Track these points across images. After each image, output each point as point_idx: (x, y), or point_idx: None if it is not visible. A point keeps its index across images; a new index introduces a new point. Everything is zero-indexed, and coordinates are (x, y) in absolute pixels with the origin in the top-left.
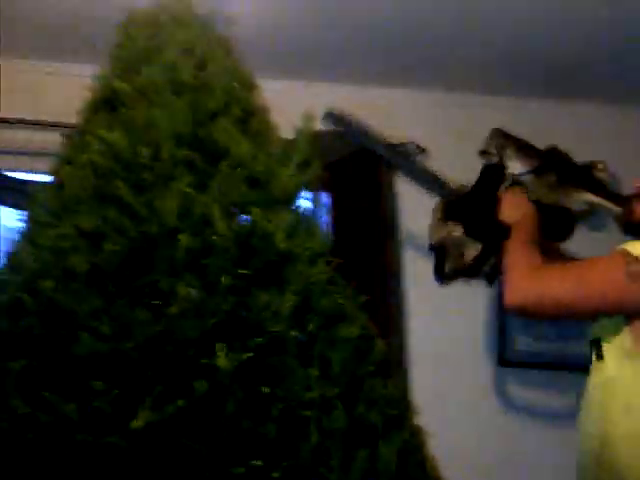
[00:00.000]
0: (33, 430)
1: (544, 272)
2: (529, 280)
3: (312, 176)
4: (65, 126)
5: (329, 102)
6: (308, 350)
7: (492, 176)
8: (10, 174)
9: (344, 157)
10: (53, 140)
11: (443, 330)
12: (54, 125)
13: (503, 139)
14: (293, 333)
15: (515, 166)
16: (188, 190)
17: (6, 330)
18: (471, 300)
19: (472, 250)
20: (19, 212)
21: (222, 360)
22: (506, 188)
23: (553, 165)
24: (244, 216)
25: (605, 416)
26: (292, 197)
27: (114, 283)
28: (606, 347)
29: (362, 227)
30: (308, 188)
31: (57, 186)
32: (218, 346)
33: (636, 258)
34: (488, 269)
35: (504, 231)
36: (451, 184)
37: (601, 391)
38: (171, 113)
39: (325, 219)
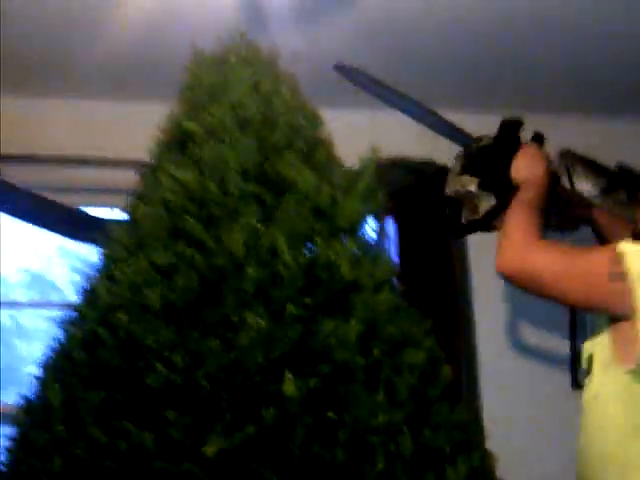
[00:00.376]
0: (112, 459)
1: (535, 245)
2: (519, 250)
3: (376, 205)
4: (134, 163)
5: (393, 130)
6: (374, 376)
7: (512, 130)
8: (84, 209)
9: (408, 185)
10: (123, 177)
11: (515, 353)
12: (123, 162)
13: (571, 159)
14: (359, 360)
15: (585, 186)
16: (255, 223)
17: (84, 362)
18: (545, 325)
19: (485, 204)
20: (95, 247)
21: (290, 388)
22: (524, 144)
23: (623, 182)
24: (310, 246)
25: (584, 436)
26: (356, 226)
27: (186, 315)
28: (595, 361)
29: (429, 252)
30: (372, 217)
31: (132, 223)
32: (286, 374)
33: (621, 259)
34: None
35: (513, 188)
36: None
37: (587, 409)
38: (238, 149)
39: (390, 246)
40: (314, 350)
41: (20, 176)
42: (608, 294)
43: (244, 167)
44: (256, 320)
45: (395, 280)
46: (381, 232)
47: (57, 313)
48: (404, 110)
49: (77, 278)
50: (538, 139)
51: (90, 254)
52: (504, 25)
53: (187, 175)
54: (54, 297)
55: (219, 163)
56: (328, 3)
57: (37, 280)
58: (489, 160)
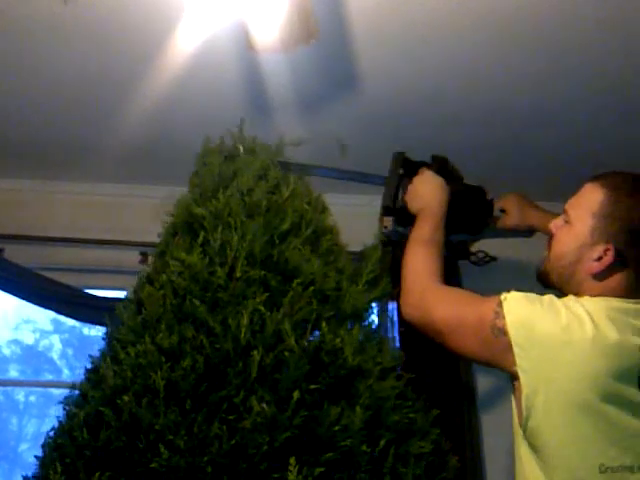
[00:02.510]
0: None
1: (431, 293)
2: (417, 298)
3: (381, 292)
4: (139, 245)
5: None
6: (379, 465)
7: (410, 164)
8: (89, 291)
9: None
10: (126, 258)
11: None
12: (129, 244)
13: None
14: (364, 448)
15: None
16: (261, 308)
17: (87, 443)
18: None
19: None
20: (100, 328)
21: (293, 475)
22: (420, 171)
23: None
24: (315, 332)
25: None
26: (362, 312)
27: (190, 398)
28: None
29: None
30: (377, 302)
31: (138, 304)
32: (290, 461)
33: (501, 312)
34: None
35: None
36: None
37: None
38: (245, 234)
39: (394, 331)
40: (319, 437)
41: (25, 257)
42: (493, 349)
43: (251, 252)
44: (261, 405)
45: (400, 367)
46: (385, 318)
47: (52, 390)
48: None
49: (71, 352)
50: (438, 162)
51: (84, 328)
52: (505, 119)
53: (194, 258)
54: (47, 369)
55: (226, 248)
56: (332, 93)
57: (30, 353)
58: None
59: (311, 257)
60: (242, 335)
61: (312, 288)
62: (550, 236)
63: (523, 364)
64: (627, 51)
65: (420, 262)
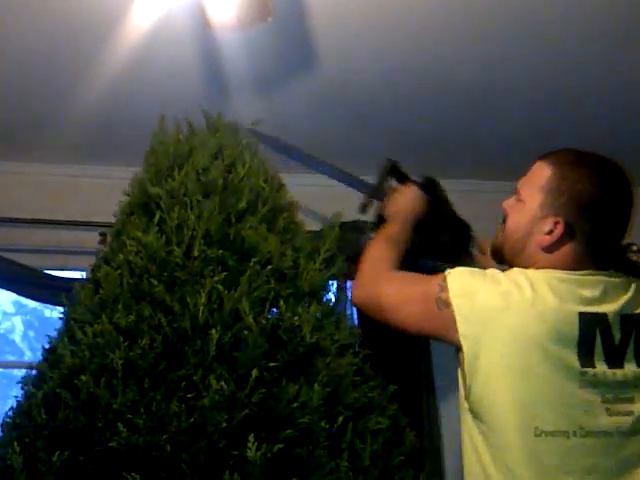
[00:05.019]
0: None
1: (381, 276)
2: (367, 280)
3: (338, 270)
4: (97, 225)
5: (353, 193)
6: (337, 442)
7: (400, 176)
8: (48, 272)
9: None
10: (87, 238)
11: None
12: (88, 224)
13: None
14: (322, 425)
15: None
16: (219, 286)
17: (45, 423)
18: None
19: None
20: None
21: (252, 452)
22: (406, 184)
23: None
24: (273, 310)
25: None
26: (319, 291)
27: (149, 377)
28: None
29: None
30: (335, 281)
31: (95, 284)
32: (249, 438)
33: (446, 286)
34: None
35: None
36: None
37: None
38: (201, 214)
39: (351, 310)
40: (277, 414)
41: None
42: (438, 322)
43: (207, 231)
44: (219, 383)
45: (358, 344)
46: (342, 295)
47: (14, 371)
48: (312, 168)
49: (32, 334)
50: (427, 182)
51: (46, 310)
52: (459, 98)
53: (150, 238)
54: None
55: (183, 227)
56: (288, 72)
57: None
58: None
59: (268, 235)
60: (200, 314)
61: (269, 267)
62: (504, 216)
63: (465, 332)
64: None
65: (378, 253)
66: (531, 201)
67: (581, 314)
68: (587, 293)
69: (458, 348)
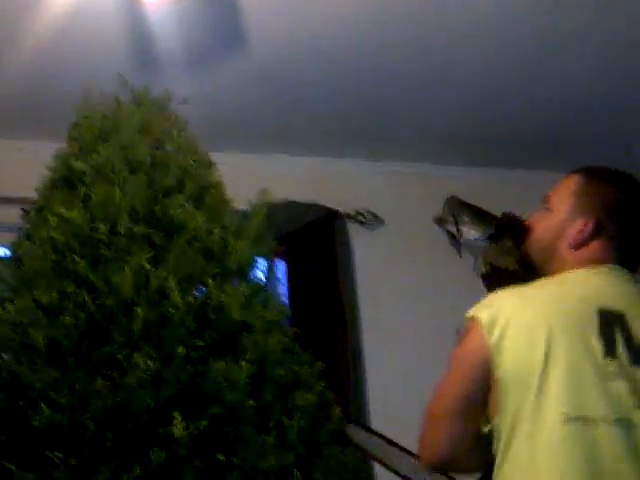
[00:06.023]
0: None
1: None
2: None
3: (267, 248)
4: (22, 201)
5: (285, 174)
6: (265, 418)
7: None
8: None
9: (301, 227)
10: (9, 214)
11: (403, 394)
12: (10, 200)
13: (458, 207)
14: (249, 402)
15: (471, 232)
16: (144, 264)
17: None
18: (435, 363)
19: None
20: None
21: (178, 429)
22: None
23: (508, 230)
24: (201, 288)
25: None
26: (247, 268)
27: (72, 355)
28: None
29: (320, 295)
30: (263, 259)
31: (16, 261)
32: (174, 415)
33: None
34: None
35: None
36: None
37: None
38: (127, 190)
39: (281, 289)
40: (204, 392)
41: None
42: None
43: (134, 208)
44: (144, 361)
45: (286, 322)
46: (271, 274)
47: None
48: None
49: None
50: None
51: None
52: (392, 79)
53: (74, 214)
54: None
55: (108, 203)
56: (219, 47)
57: None
58: None
59: (196, 213)
60: (125, 291)
61: (197, 244)
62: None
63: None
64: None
65: None
66: (560, 207)
67: (600, 309)
68: (608, 290)
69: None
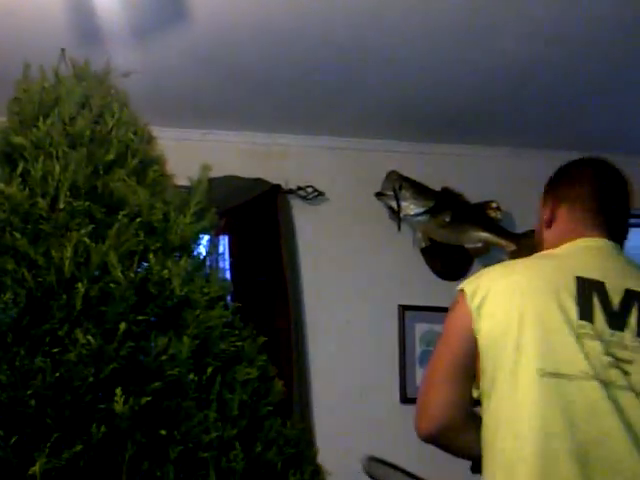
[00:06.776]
0: None
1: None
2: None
3: (209, 223)
4: None
5: (226, 149)
6: (206, 393)
7: None
8: None
9: (243, 202)
10: None
11: (346, 369)
12: None
13: (399, 181)
14: (191, 376)
15: (411, 207)
16: (85, 239)
17: None
18: (375, 337)
19: None
20: None
21: (119, 405)
22: None
23: (448, 205)
24: (143, 263)
25: None
26: (189, 244)
27: (12, 332)
28: None
29: (262, 270)
30: (205, 234)
31: None
32: (116, 391)
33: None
34: None
35: None
36: None
37: None
38: (68, 165)
39: (224, 264)
40: (146, 367)
41: None
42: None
43: (74, 183)
44: (86, 337)
45: (229, 297)
46: (214, 249)
47: None
48: None
49: None
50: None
51: None
52: (332, 53)
53: (13, 189)
54: None
55: (48, 178)
56: (161, 22)
57: None
58: None
59: (137, 188)
60: (66, 267)
61: (139, 220)
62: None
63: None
64: None
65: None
66: (540, 212)
67: (578, 277)
68: (588, 260)
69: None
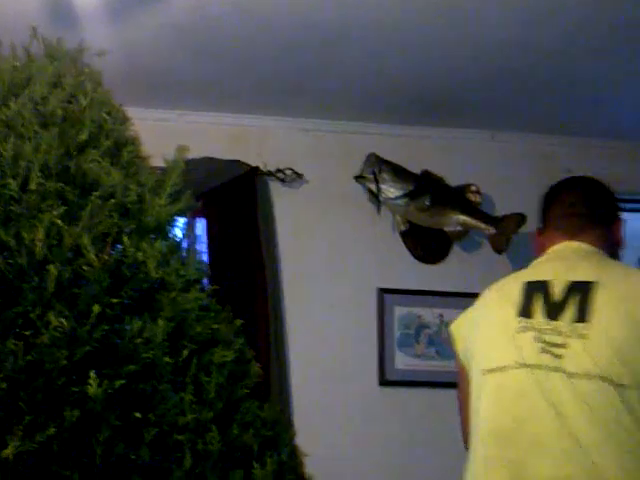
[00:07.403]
0: None
1: None
2: None
3: (184, 205)
4: None
5: (203, 131)
6: (182, 375)
7: None
8: None
9: (221, 184)
10: None
11: (325, 351)
12: None
13: (378, 164)
14: (166, 359)
15: (390, 190)
16: (58, 221)
17: None
18: (354, 320)
19: None
20: None
21: (93, 388)
22: None
23: (427, 188)
24: (117, 245)
25: None
26: (165, 226)
27: None
28: None
29: (240, 253)
30: (181, 217)
31: None
32: (90, 374)
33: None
34: None
35: None
36: None
37: None
38: (39, 145)
39: (201, 246)
40: (121, 350)
41: None
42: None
43: (46, 163)
44: (58, 319)
45: (206, 280)
46: (190, 232)
47: None
48: None
49: None
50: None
51: None
52: (312, 33)
53: None
54: None
55: (19, 159)
56: (136, 1)
57: None
58: None
59: (111, 169)
60: (37, 249)
61: (112, 201)
62: None
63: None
64: None
65: None
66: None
67: (527, 282)
68: (545, 265)
69: None
